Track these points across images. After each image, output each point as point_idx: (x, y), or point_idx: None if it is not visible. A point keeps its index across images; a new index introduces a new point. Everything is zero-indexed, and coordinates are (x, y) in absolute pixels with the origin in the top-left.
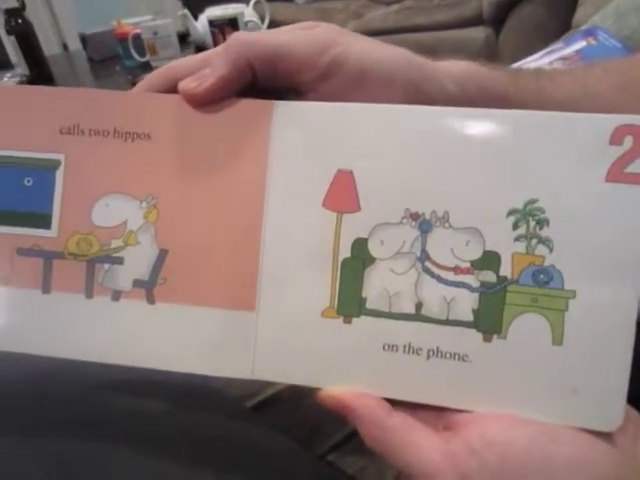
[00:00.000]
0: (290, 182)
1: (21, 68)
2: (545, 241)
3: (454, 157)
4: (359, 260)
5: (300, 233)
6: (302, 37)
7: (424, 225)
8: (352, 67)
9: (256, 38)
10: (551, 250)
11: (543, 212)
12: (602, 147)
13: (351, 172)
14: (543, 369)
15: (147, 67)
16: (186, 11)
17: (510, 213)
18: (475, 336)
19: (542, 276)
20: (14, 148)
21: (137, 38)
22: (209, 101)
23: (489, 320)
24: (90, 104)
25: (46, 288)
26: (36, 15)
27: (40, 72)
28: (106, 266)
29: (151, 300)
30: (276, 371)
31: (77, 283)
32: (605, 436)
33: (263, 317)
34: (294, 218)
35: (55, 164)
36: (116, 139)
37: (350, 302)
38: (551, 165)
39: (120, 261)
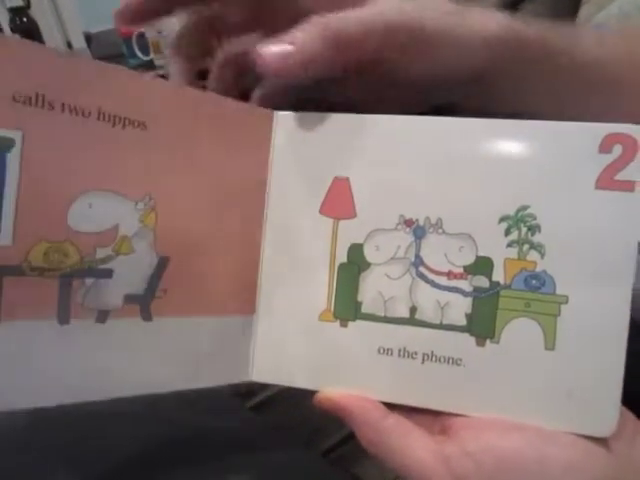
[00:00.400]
0: (290, 189)
1: None
2: (537, 247)
3: (447, 165)
4: (355, 265)
5: (299, 238)
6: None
7: (418, 231)
8: (424, 46)
9: (361, 36)
10: (543, 256)
11: (534, 218)
12: (592, 155)
13: (347, 179)
14: (536, 374)
15: (151, 66)
16: None
17: (502, 219)
18: (468, 340)
19: (534, 281)
20: None
21: (141, 37)
22: (283, 78)
23: (482, 324)
24: (66, 71)
25: None
26: (41, 14)
27: None
28: (88, 281)
29: (147, 316)
30: (275, 373)
31: (45, 306)
32: (600, 440)
33: (263, 320)
34: (293, 224)
35: (7, 143)
36: (101, 122)
37: (346, 306)
38: (542, 172)
39: (108, 274)
